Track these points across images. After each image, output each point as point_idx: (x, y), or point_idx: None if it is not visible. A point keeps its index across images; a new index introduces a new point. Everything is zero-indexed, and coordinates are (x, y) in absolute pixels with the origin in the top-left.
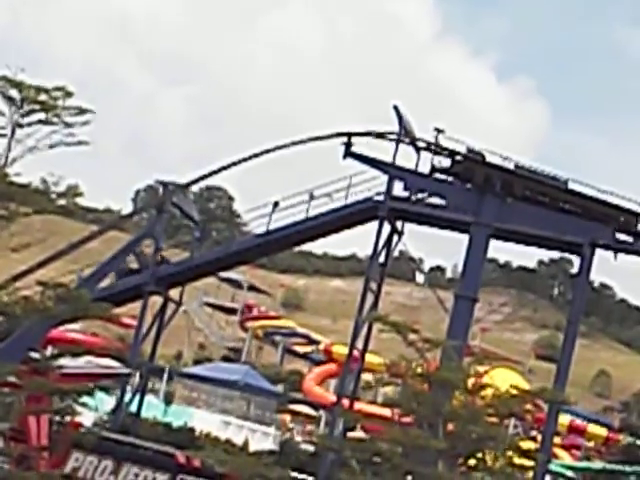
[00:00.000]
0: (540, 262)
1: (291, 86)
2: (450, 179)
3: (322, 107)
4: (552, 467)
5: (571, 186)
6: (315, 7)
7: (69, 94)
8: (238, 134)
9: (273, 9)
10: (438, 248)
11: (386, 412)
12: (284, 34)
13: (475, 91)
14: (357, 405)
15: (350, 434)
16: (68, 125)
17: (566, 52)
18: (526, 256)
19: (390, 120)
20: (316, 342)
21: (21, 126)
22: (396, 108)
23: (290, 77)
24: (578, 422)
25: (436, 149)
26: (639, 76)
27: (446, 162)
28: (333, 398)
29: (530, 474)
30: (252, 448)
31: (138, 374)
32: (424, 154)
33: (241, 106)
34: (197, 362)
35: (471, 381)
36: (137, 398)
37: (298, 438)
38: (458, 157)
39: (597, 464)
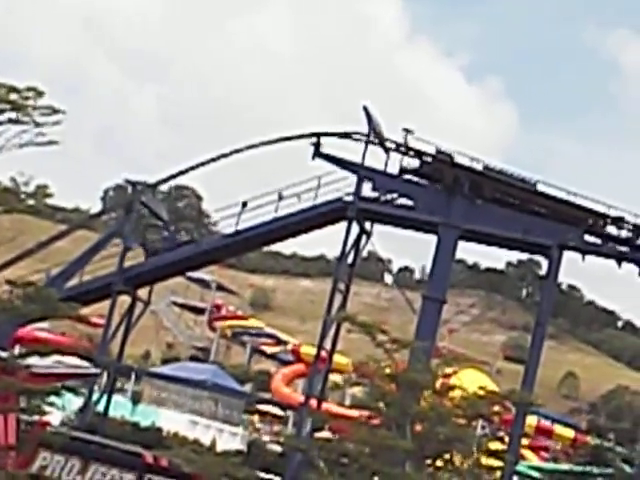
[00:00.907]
0: (508, 263)
1: (262, 86)
2: (419, 180)
3: (292, 107)
4: (519, 468)
5: (540, 188)
6: (286, 7)
7: (40, 94)
8: (209, 133)
9: (245, 8)
10: (407, 249)
11: (354, 413)
12: (255, 33)
13: (445, 92)
14: (325, 405)
15: (318, 434)
16: (39, 125)
17: (536, 54)
18: (494, 257)
19: (360, 120)
20: (284, 342)
21: None
22: (365, 109)
23: (261, 77)
24: (546, 423)
25: (405, 150)
26: (608, 78)
27: (415, 163)
28: (301, 398)
29: (498, 475)
30: (220, 448)
31: (106, 374)
32: (393, 155)
33: (212, 105)
34: (165, 362)
35: (439, 382)
36: (105, 397)
37: (266, 438)
38: (427, 158)
39: (564, 465)
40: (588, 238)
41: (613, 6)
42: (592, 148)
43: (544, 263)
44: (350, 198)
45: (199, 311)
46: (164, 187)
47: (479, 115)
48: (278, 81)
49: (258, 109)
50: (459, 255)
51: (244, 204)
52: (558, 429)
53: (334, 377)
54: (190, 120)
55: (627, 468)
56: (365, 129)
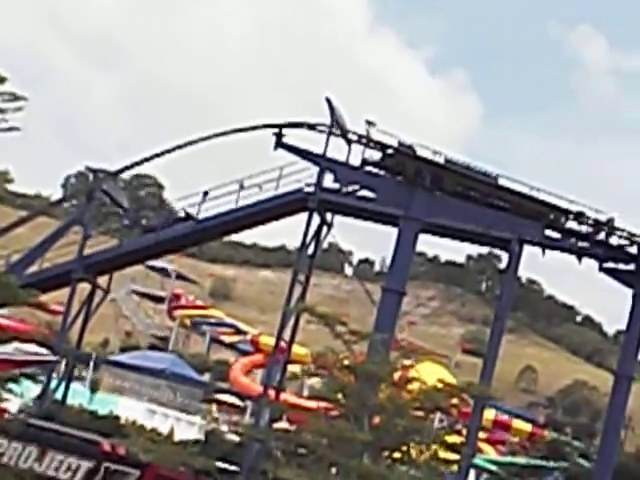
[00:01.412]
0: (469, 257)
1: (225, 75)
2: (381, 172)
3: (255, 97)
4: (477, 461)
5: (501, 182)
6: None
7: (2, 80)
8: (171, 122)
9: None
10: (367, 241)
11: (312, 404)
12: (217, 23)
13: (408, 84)
14: (283, 396)
15: (276, 425)
16: (0, 111)
17: (500, 48)
18: (455, 251)
19: (322, 111)
20: (243, 332)
21: None
22: (328, 100)
23: (224, 66)
24: (503, 417)
25: (367, 142)
26: (571, 73)
27: (377, 155)
28: (259, 388)
29: (455, 468)
30: (177, 437)
31: (64, 361)
32: (355, 147)
33: (174, 94)
34: (124, 350)
35: (397, 374)
36: (63, 385)
37: (223, 428)
38: (389, 150)
39: (521, 459)
40: (548, 233)
41: (576, 2)
42: (554, 143)
43: (504, 257)
44: (311, 189)
45: (159, 300)
46: (125, 175)
47: (442, 108)
48: (241, 70)
49: (221, 98)
50: (419, 248)
51: (205, 193)
52: (516, 423)
53: (293, 368)
54: (153, 108)
55: (584, 462)
56: (328, 120)
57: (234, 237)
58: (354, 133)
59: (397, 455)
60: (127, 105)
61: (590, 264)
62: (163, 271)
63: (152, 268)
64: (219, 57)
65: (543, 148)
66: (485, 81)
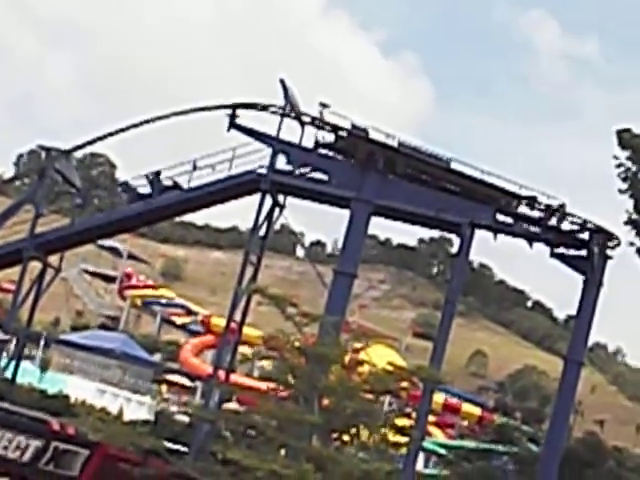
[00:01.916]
0: (420, 240)
1: (179, 58)
2: (334, 154)
3: (209, 79)
4: (426, 445)
5: (453, 166)
6: None
7: None
8: (126, 102)
9: None
10: (319, 223)
11: (262, 385)
12: (172, 6)
13: (362, 66)
14: (233, 377)
15: (225, 406)
16: None
17: (451, 31)
18: (407, 234)
19: (277, 94)
20: (194, 313)
21: None
22: (282, 81)
23: (178, 49)
24: (453, 401)
25: (320, 124)
26: (522, 57)
27: (330, 137)
28: (209, 369)
29: (404, 451)
30: (127, 417)
31: (15, 340)
32: (309, 129)
33: (130, 74)
34: (74, 329)
35: (348, 357)
36: (13, 364)
37: (173, 408)
38: (342, 133)
39: (470, 443)
40: (500, 217)
41: None
42: (506, 127)
43: (456, 241)
44: (264, 171)
45: (110, 279)
46: (78, 154)
47: (395, 90)
48: (195, 51)
49: (175, 81)
50: (371, 230)
51: (158, 173)
52: (465, 407)
53: (243, 349)
54: (108, 88)
55: (533, 447)
56: (281, 102)
57: (186, 217)
58: (307, 115)
59: (346, 437)
60: (82, 85)
61: (541, 249)
62: (115, 251)
63: (104, 247)
64: (174, 40)
65: (495, 132)
66: (436, 64)
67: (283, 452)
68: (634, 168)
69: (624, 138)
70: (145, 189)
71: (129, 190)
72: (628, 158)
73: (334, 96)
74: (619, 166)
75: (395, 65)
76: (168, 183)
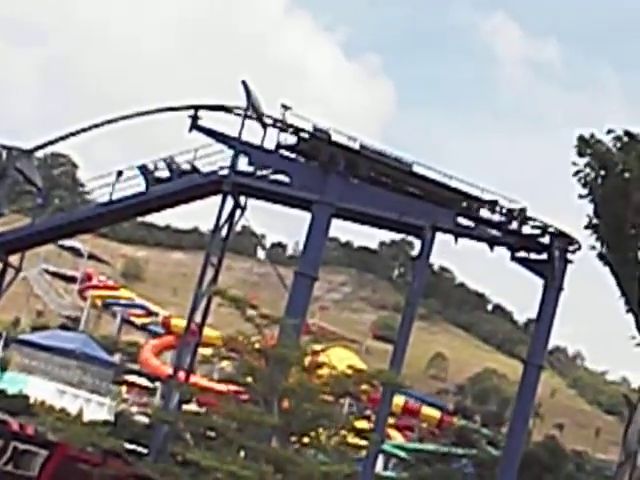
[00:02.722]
0: (381, 243)
1: (142, 59)
2: (295, 157)
3: (172, 81)
4: (385, 447)
5: (415, 169)
6: None
7: None
8: (87, 102)
9: None
10: (280, 224)
11: (222, 387)
12: (136, 7)
13: (324, 67)
14: (193, 379)
15: (185, 407)
16: None
17: (412, 33)
18: (368, 236)
19: (239, 95)
20: (154, 314)
21: None
22: (244, 83)
23: (141, 50)
24: (413, 403)
25: (282, 126)
26: (484, 61)
27: (292, 139)
28: (169, 371)
29: (363, 453)
30: (87, 417)
31: None
32: (270, 130)
33: (91, 75)
34: (35, 329)
35: (308, 359)
36: None
37: (133, 409)
38: (304, 135)
39: (430, 445)
40: (461, 220)
41: None
42: (467, 130)
43: (417, 244)
44: (225, 172)
45: (70, 279)
46: (40, 154)
47: (359, 93)
48: (157, 52)
49: (138, 81)
50: (332, 233)
51: (119, 173)
52: (425, 409)
53: (204, 350)
54: (70, 88)
55: (492, 450)
56: (243, 104)
57: (147, 218)
58: (269, 117)
59: (306, 440)
60: (44, 84)
61: (502, 253)
62: (75, 251)
63: (64, 247)
64: (137, 41)
65: (456, 135)
66: (399, 66)
67: (243, 454)
68: (593, 174)
69: (583, 143)
70: (164, 173)
71: (147, 173)
72: (587, 164)
73: (297, 98)
74: (579, 171)
75: (358, 67)
76: (187, 167)
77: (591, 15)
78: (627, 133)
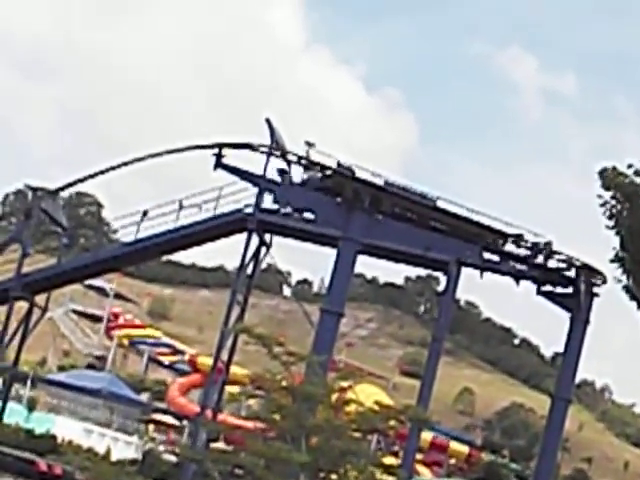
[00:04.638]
0: (407, 279)
1: (161, 92)
2: (320, 193)
3: (192, 115)
4: None
5: (440, 204)
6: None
7: None
8: (107, 138)
9: (142, 10)
10: (306, 261)
11: (249, 424)
12: (153, 39)
13: (345, 101)
14: (220, 416)
15: (213, 445)
16: None
17: (430, 67)
18: (393, 272)
19: (260, 128)
20: (181, 352)
21: None
22: (268, 121)
23: (160, 83)
24: (440, 439)
25: (306, 163)
26: (504, 94)
27: (316, 176)
28: (197, 409)
29: None
30: (114, 457)
31: (1, 379)
32: (295, 167)
33: (109, 111)
34: (61, 369)
35: (335, 396)
36: (0, 404)
37: (161, 448)
38: (328, 171)
39: None
40: (487, 255)
41: (504, 23)
42: (489, 163)
43: (442, 279)
44: (250, 210)
45: (96, 319)
46: (65, 193)
47: (380, 126)
48: (177, 88)
49: (158, 115)
50: (358, 269)
51: (144, 213)
52: (453, 445)
53: (230, 388)
54: (87, 123)
55: None
56: (267, 141)
57: (172, 257)
58: (293, 154)
59: (334, 477)
60: (66, 121)
61: (528, 287)
62: (101, 290)
63: (90, 287)
64: (156, 74)
65: (479, 168)
66: (418, 100)
67: None
68: (619, 206)
69: (607, 176)
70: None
71: (284, 173)
72: (612, 197)
73: (317, 132)
74: (604, 204)
75: (378, 100)
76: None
77: (606, 45)
78: None
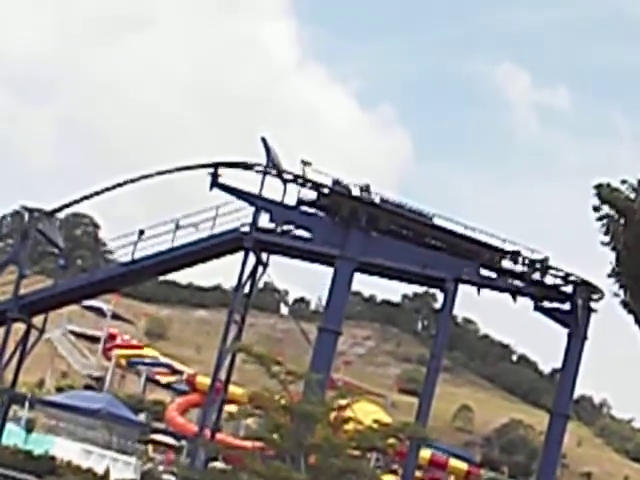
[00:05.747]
0: (404, 296)
1: (156, 111)
2: (316, 212)
3: (186, 132)
4: None
5: (436, 221)
6: (180, 32)
7: None
8: (103, 161)
9: (139, 31)
10: (303, 280)
11: (248, 444)
12: (148, 59)
13: (339, 118)
14: (219, 436)
15: (212, 465)
16: None
17: (423, 83)
18: (390, 290)
19: (254, 146)
20: (179, 372)
21: None
22: (264, 140)
23: (155, 102)
24: (439, 456)
25: (302, 181)
26: (492, 110)
27: (312, 195)
28: (195, 428)
29: None
30: (113, 477)
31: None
32: (291, 186)
33: (105, 130)
34: (59, 390)
35: (333, 414)
36: None
37: (159, 468)
38: (324, 190)
39: None
40: (484, 272)
41: (497, 40)
42: (483, 179)
43: (440, 296)
44: (247, 229)
45: (94, 340)
46: (61, 214)
47: (374, 143)
48: (171, 107)
49: (153, 135)
50: (355, 287)
51: (141, 233)
52: (452, 462)
53: (229, 408)
54: (83, 144)
55: None
56: (263, 160)
57: (169, 276)
58: (289, 173)
59: None
60: (58, 139)
61: (525, 303)
62: (98, 311)
63: (88, 308)
64: (150, 93)
65: (474, 185)
66: (413, 116)
67: None
68: (614, 222)
69: (602, 192)
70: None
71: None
72: (607, 214)
73: (312, 149)
74: (600, 219)
75: (373, 117)
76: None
77: (599, 60)
78: None
